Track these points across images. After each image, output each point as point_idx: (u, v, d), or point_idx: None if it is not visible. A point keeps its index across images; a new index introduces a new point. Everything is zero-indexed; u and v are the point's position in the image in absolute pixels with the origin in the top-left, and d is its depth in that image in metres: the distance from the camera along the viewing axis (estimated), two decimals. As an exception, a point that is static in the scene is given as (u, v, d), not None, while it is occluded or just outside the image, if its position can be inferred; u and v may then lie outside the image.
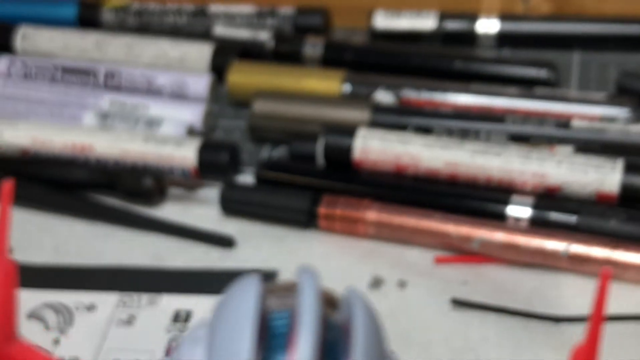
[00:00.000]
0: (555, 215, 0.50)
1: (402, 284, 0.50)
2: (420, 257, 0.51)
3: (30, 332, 0.49)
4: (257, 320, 0.21)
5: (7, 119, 0.60)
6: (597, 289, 0.22)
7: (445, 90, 0.59)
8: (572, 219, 0.50)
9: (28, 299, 0.50)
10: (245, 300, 0.22)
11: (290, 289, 0.23)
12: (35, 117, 0.61)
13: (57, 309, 0.50)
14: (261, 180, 0.56)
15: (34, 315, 0.50)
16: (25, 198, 0.56)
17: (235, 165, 0.57)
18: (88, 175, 0.57)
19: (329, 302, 0.23)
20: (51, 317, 0.49)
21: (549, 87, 0.60)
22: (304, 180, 0.55)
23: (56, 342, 0.48)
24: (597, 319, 0.22)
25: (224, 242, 0.53)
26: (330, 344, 0.21)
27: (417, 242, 0.51)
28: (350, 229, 0.53)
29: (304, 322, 0.21)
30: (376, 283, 0.50)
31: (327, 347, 0.21)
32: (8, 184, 0.21)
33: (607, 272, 0.22)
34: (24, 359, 0.23)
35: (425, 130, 0.56)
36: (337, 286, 0.50)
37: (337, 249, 0.53)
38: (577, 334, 0.44)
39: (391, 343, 0.46)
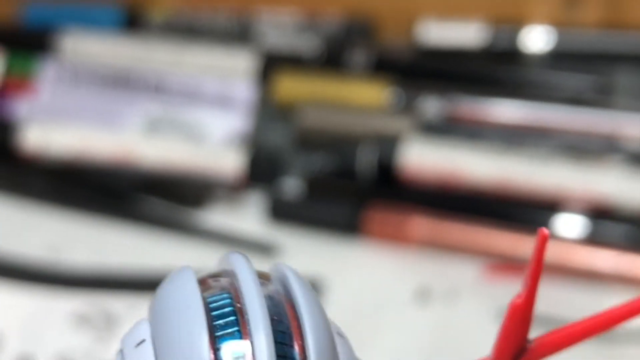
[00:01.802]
0: (606, 229, 0.50)
1: (449, 296, 0.49)
2: (468, 269, 0.51)
3: (77, 333, 0.49)
4: (203, 308, 0.21)
5: (55, 123, 0.61)
6: (535, 246, 0.23)
7: (494, 101, 0.59)
8: (623, 232, 0.50)
9: (76, 301, 0.50)
10: (185, 291, 0.21)
11: (219, 274, 0.22)
12: (82, 122, 0.61)
13: (105, 310, 0.50)
14: (308, 188, 0.56)
15: (81, 317, 0.50)
16: (72, 202, 0.56)
17: (280, 172, 0.57)
18: (134, 180, 0.57)
19: (261, 277, 0.22)
20: (99, 318, 0.49)
21: (599, 99, 0.60)
22: (350, 188, 0.55)
23: (104, 343, 0.48)
24: (535, 275, 0.23)
25: (263, 248, 0.53)
26: (276, 328, 0.21)
27: (464, 254, 0.51)
28: (397, 238, 0.52)
29: (250, 300, 0.21)
30: (423, 294, 0.50)
31: (275, 332, 0.21)
32: None
33: (545, 234, 0.22)
34: None
35: (472, 142, 0.56)
36: (380, 298, 0.50)
37: (383, 258, 0.52)
38: (631, 348, 0.43)
39: (439, 355, 0.46)
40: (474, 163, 0.53)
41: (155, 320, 0.22)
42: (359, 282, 0.50)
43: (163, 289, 0.22)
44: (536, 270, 0.23)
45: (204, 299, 0.21)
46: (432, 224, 0.52)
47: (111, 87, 0.63)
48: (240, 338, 0.20)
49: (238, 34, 0.67)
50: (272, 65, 0.63)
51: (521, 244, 0.50)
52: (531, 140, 0.56)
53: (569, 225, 0.51)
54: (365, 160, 0.56)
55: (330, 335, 0.21)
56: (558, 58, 0.64)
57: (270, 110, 0.63)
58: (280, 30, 0.67)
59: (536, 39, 0.64)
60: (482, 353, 0.45)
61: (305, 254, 0.53)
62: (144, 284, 0.51)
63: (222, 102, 0.62)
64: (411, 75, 0.63)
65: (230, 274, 0.22)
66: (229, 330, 0.21)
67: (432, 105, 0.59)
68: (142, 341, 0.21)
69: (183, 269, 0.22)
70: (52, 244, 0.54)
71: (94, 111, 0.61)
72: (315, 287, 0.51)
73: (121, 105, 0.62)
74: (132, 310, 0.50)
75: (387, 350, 0.46)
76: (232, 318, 0.21)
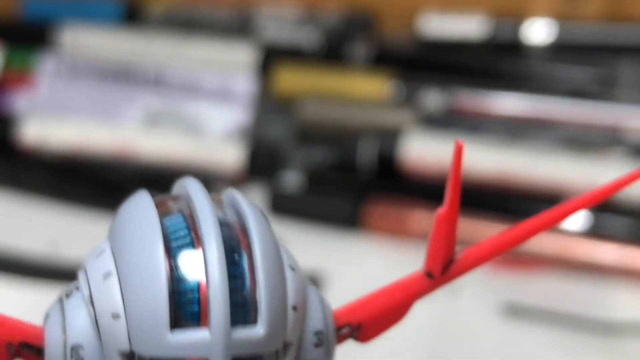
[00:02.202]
0: (608, 222, 0.50)
1: (451, 289, 0.49)
2: (469, 262, 0.50)
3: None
4: (159, 224, 0.22)
5: (55, 117, 0.60)
6: (453, 158, 0.24)
7: (495, 94, 0.58)
8: (625, 225, 0.49)
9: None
10: (142, 209, 0.23)
11: (175, 198, 0.24)
12: (81, 116, 0.61)
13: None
14: (308, 182, 0.56)
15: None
16: (71, 197, 0.56)
17: (280, 166, 0.57)
18: (133, 174, 0.57)
19: (214, 201, 0.23)
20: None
21: (601, 92, 0.59)
22: (351, 182, 0.55)
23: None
24: (455, 186, 0.24)
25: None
26: (226, 240, 0.22)
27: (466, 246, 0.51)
28: (397, 232, 0.52)
29: (202, 214, 0.22)
30: (425, 287, 0.49)
31: (229, 247, 0.22)
32: None
33: (460, 144, 0.24)
34: None
35: (474, 135, 0.56)
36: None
37: (384, 251, 0.52)
38: (632, 342, 0.43)
39: (440, 349, 0.46)
40: (476, 156, 0.53)
41: (115, 237, 0.23)
42: (360, 275, 0.50)
43: (122, 209, 0.23)
44: (455, 181, 0.24)
45: (159, 217, 0.22)
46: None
47: (110, 80, 0.63)
48: (193, 248, 0.22)
49: (238, 27, 0.67)
50: (272, 58, 0.63)
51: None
52: (533, 133, 0.55)
53: (572, 219, 0.50)
54: (366, 153, 0.55)
55: (277, 250, 0.23)
56: (560, 51, 0.63)
57: (270, 104, 0.63)
58: (280, 23, 0.67)
59: (538, 32, 0.63)
60: (485, 346, 0.45)
61: (306, 248, 0.53)
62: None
63: (221, 95, 0.62)
64: (412, 68, 0.62)
65: (184, 197, 0.23)
66: (182, 242, 0.22)
67: (433, 98, 0.59)
68: (102, 252, 0.22)
69: (140, 192, 0.23)
70: (51, 238, 0.54)
71: (93, 105, 0.61)
72: (315, 281, 0.51)
73: (120, 99, 0.61)
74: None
75: (389, 343, 0.46)
76: (185, 232, 0.22)
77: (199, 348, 0.21)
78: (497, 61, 0.62)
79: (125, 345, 0.22)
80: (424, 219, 0.52)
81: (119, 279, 0.22)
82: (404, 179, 0.55)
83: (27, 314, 0.49)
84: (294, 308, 0.23)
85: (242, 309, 0.22)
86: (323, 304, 0.24)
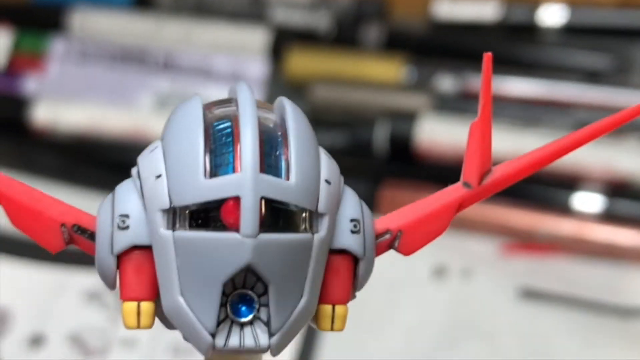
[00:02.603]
0: (624, 206, 0.49)
1: (466, 274, 0.49)
2: (484, 247, 0.50)
3: (88, 311, 0.48)
4: (203, 124, 0.23)
5: (65, 100, 0.60)
6: (483, 70, 0.25)
7: (509, 77, 0.58)
8: (642, 209, 0.49)
9: (86, 279, 0.50)
10: (190, 111, 0.24)
11: (228, 101, 0.25)
12: (91, 99, 0.60)
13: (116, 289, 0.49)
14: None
15: (92, 296, 0.49)
16: (82, 179, 0.56)
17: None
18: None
19: (262, 106, 0.25)
20: (109, 297, 0.49)
21: (616, 75, 0.59)
22: (365, 166, 0.55)
23: (114, 322, 0.48)
24: (487, 97, 0.25)
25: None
26: (270, 138, 0.24)
27: (481, 232, 0.50)
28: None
29: (244, 120, 0.23)
30: (439, 272, 0.49)
31: (267, 141, 0.23)
32: None
33: (489, 55, 0.25)
34: (6, 190, 0.24)
35: (488, 118, 0.55)
36: (398, 275, 0.49)
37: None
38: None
39: (456, 331, 0.45)
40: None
41: (166, 135, 0.24)
42: (375, 260, 0.50)
43: (175, 110, 0.25)
44: (486, 92, 0.25)
45: (205, 118, 0.24)
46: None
47: (121, 64, 0.63)
48: (232, 145, 0.23)
49: (250, 11, 0.66)
50: (284, 42, 0.63)
51: (538, 222, 0.49)
52: (547, 117, 0.55)
53: (588, 202, 0.50)
54: (380, 137, 0.55)
55: (310, 137, 0.24)
56: (573, 34, 0.63)
57: (282, 88, 0.62)
58: (293, 7, 0.66)
59: (552, 15, 0.63)
60: (500, 328, 0.45)
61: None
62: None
63: (233, 79, 0.61)
64: (425, 51, 0.62)
65: (234, 101, 0.24)
66: (224, 141, 0.23)
67: (446, 82, 0.58)
68: (155, 148, 0.24)
69: (193, 96, 0.25)
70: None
71: (104, 88, 0.61)
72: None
73: (131, 82, 0.61)
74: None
75: (405, 324, 0.46)
76: (227, 139, 0.23)
77: (229, 187, 0.23)
78: (511, 45, 0.61)
79: (165, 202, 0.23)
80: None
81: (163, 149, 0.24)
82: (418, 163, 0.54)
83: (37, 298, 0.49)
84: (327, 182, 0.24)
85: (274, 168, 0.23)
86: (361, 202, 0.25)
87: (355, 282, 0.25)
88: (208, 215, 0.23)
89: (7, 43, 0.64)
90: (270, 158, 0.23)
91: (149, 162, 0.24)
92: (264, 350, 0.24)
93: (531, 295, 0.47)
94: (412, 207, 0.26)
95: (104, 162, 0.57)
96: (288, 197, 0.23)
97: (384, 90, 0.58)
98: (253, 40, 0.63)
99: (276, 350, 0.24)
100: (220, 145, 0.23)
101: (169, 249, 0.23)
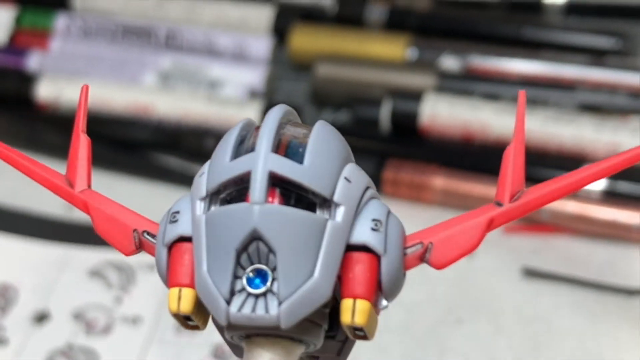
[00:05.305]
0: (628, 186, 0.49)
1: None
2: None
3: (92, 290, 0.48)
4: (239, 134, 0.27)
5: (68, 77, 0.60)
6: (518, 106, 0.27)
7: (513, 57, 0.58)
8: (645, 190, 0.49)
9: (90, 257, 0.50)
10: (232, 132, 0.27)
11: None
12: (94, 75, 0.60)
13: (120, 267, 0.49)
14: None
15: (96, 274, 0.49)
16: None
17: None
18: (149, 134, 0.57)
19: (298, 125, 0.27)
20: (113, 275, 0.49)
21: (619, 56, 0.58)
22: (368, 144, 0.55)
23: (118, 300, 0.48)
24: (520, 127, 0.27)
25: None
26: (294, 139, 0.26)
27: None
28: (416, 195, 0.52)
29: (267, 115, 0.26)
30: (442, 250, 0.49)
31: (292, 143, 0.26)
32: (86, 87, 0.30)
33: (523, 92, 0.27)
34: (94, 202, 0.29)
35: (492, 97, 0.55)
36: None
37: (402, 215, 0.51)
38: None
39: (459, 310, 0.46)
40: (494, 119, 0.52)
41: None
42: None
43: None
44: (520, 121, 0.27)
45: (240, 132, 0.27)
46: (452, 180, 0.51)
47: (124, 41, 0.63)
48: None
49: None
50: (288, 20, 0.62)
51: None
52: (552, 96, 0.55)
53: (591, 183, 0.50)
54: (384, 116, 0.55)
55: (336, 152, 0.26)
56: (578, 11, 0.63)
57: (286, 66, 0.62)
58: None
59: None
60: (503, 307, 0.45)
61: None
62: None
63: (237, 56, 0.61)
64: (429, 30, 0.61)
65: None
66: (250, 141, 0.26)
67: (450, 61, 0.58)
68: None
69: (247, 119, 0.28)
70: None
71: (107, 65, 0.61)
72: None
73: (134, 59, 0.61)
74: (145, 266, 0.49)
75: (410, 304, 0.46)
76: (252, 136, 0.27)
77: (244, 163, 0.25)
78: (514, 23, 0.61)
79: (203, 192, 0.26)
80: (442, 182, 0.51)
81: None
82: (422, 142, 0.54)
83: (40, 275, 0.49)
84: (347, 179, 0.26)
85: (291, 155, 0.26)
86: (389, 211, 0.27)
87: (380, 283, 0.26)
88: (226, 196, 0.26)
89: (10, 19, 0.64)
90: (290, 149, 0.26)
91: (204, 167, 0.27)
92: (274, 320, 0.25)
93: (534, 274, 0.47)
94: (445, 224, 0.27)
95: (106, 138, 0.57)
96: (297, 177, 0.25)
97: (387, 68, 0.58)
98: (257, 18, 0.63)
99: (286, 320, 0.25)
100: (246, 141, 0.26)
101: (202, 229, 0.26)
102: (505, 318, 0.45)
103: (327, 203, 0.25)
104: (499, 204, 0.26)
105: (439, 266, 0.26)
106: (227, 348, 0.45)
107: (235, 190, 0.26)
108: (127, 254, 0.28)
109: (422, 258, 0.26)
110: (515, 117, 0.27)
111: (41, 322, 0.47)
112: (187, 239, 0.26)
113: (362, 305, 0.25)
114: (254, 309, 0.25)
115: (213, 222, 0.25)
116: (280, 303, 0.25)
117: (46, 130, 0.58)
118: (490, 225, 0.26)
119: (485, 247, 0.49)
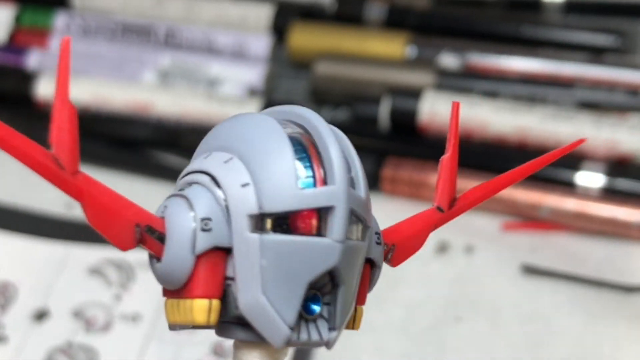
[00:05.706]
0: (626, 184, 0.49)
1: (468, 250, 0.49)
2: (487, 223, 0.50)
3: (91, 287, 0.48)
4: (288, 138, 0.26)
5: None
6: (451, 114, 0.29)
7: (512, 55, 0.58)
8: (644, 187, 0.49)
9: (90, 255, 0.50)
10: (269, 125, 0.26)
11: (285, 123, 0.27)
12: (94, 74, 0.60)
13: (119, 265, 0.49)
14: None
15: (95, 271, 0.49)
16: (85, 154, 0.55)
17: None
18: (149, 132, 0.57)
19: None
20: (113, 273, 0.49)
21: (618, 54, 0.59)
22: (367, 142, 0.55)
23: (117, 297, 0.48)
24: (455, 136, 0.29)
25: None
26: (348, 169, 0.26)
27: (483, 208, 0.50)
28: (415, 192, 0.52)
29: (325, 136, 0.26)
30: (442, 248, 0.49)
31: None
32: (67, 39, 0.25)
33: (457, 104, 0.29)
34: (89, 188, 0.26)
35: (491, 95, 0.55)
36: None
37: (401, 212, 0.51)
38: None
39: (458, 308, 0.46)
40: (493, 117, 0.52)
41: (243, 147, 0.26)
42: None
43: (242, 123, 0.27)
44: (455, 132, 0.29)
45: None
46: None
47: (124, 39, 0.63)
48: (309, 161, 0.26)
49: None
50: (287, 18, 0.62)
51: (541, 199, 0.49)
52: (551, 94, 0.55)
53: (590, 180, 0.50)
54: (383, 114, 0.55)
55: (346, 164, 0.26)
56: (577, 9, 0.63)
57: (285, 64, 0.62)
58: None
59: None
60: (500, 304, 0.45)
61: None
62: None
63: (237, 55, 0.61)
64: (428, 28, 0.62)
65: (299, 124, 0.27)
66: (301, 155, 0.26)
67: (449, 58, 0.58)
68: (230, 159, 0.26)
69: (260, 114, 0.27)
70: (67, 198, 0.53)
71: (106, 63, 0.61)
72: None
73: (133, 57, 0.61)
74: (144, 264, 0.49)
75: (408, 300, 0.46)
76: (300, 147, 0.26)
77: (325, 197, 0.25)
78: (515, 21, 0.61)
79: (253, 207, 0.25)
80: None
81: (241, 159, 0.26)
82: (421, 140, 0.54)
83: (40, 273, 0.49)
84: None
85: (352, 183, 0.26)
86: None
87: (370, 287, 0.28)
88: (286, 221, 0.25)
89: (10, 18, 0.64)
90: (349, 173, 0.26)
91: (230, 172, 0.26)
92: (325, 344, 0.26)
93: (533, 272, 0.47)
94: (400, 225, 0.28)
95: (106, 136, 0.57)
96: (362, 210, 0.26)
97: (387, 67, 0.58)
98: (256, 16, 0.63)
99: (333, 344, 0.26)
100: (299, 159, 0.26)
101: (255, 251, 0.25)
102: (504, 315, 0.45)
103: (366, 230, 0.26)
104: (441, 210, 0.28)
105: (395, 265, 0.28)
106: (226, 345, 0.46)
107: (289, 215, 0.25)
108: (124, 249, 0.26)
109: (385, 258, 0.28)
110: (449, 127, 0.29)
111: (41, 320, 0.47)
112: (220, 248, 0.25)
113: (360, 312, 0.27)
114: (309, 335, 0.26)
115: (277, 249, 0.25)
116: (332, 329, 0.26)
117: (45, 129, 0.58)
118: (433, 229, 0.29)
119: (485, 245, 0.49)
